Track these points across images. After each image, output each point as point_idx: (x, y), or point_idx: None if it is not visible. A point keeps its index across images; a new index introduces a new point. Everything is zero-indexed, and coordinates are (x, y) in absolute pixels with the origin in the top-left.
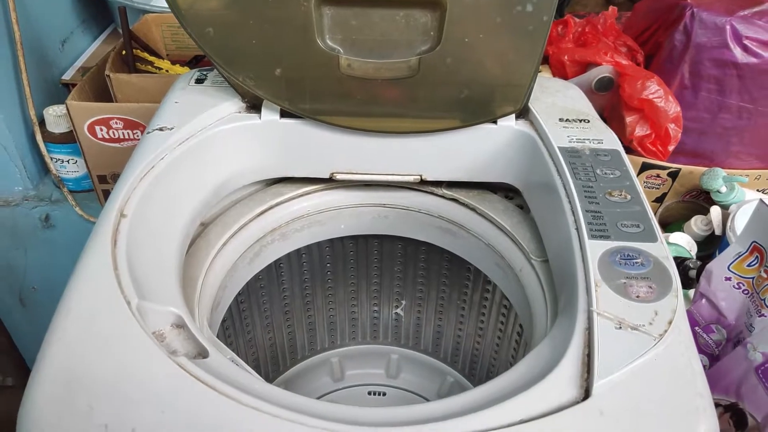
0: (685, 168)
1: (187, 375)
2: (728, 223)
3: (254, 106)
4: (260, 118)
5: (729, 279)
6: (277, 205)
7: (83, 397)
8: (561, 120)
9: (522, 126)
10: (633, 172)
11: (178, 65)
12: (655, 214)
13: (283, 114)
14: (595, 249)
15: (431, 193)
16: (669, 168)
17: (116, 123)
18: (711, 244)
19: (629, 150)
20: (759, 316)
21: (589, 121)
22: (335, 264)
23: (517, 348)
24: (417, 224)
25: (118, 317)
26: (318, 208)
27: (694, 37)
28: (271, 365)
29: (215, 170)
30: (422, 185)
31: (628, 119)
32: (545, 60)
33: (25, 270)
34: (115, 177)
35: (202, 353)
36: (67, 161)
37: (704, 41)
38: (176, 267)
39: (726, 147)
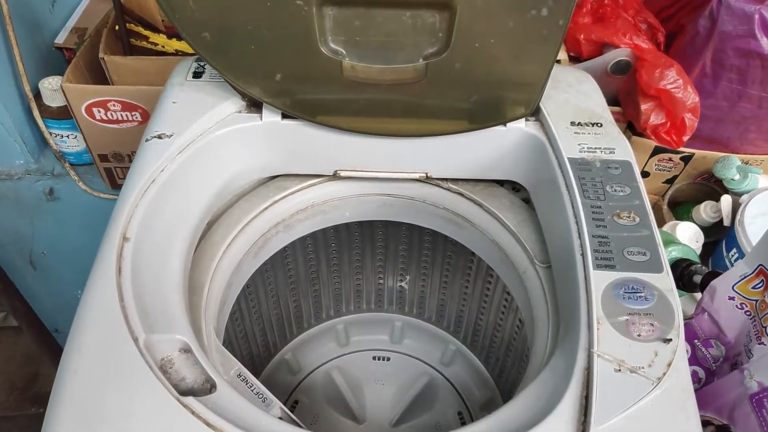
0: (698, 153)
1: (194, 418)
2: (738, 216)
3: (255, 104)
4: (261, 119)
5: (732, 298)
6: (281, 199)
7: None
8: (573, 124)
9: (532, 128)
10: (643, 189)
11: (174, 39)
12: (665, 195)
13: (285, 115)
14: (600, 281)
15: (437, 185)
16: (682, 153)
17: (114, 105)
18: (719, 231)
19: (642, 134)
20: (758, 344)
21: (602, 125)
22: (340, 245)
23: (520, 327)
24: (422, 213)
25: (126, 356)
26: (322, 198)
27: (719, 24)
28: (278, 335)
29: (217, 175)
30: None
31: (644, 107)
32: None
33: (33, 237)
34: (116, 156)
35: (210, 381)
36: (67, 136)
37: (730, 29)
38: (181, 287)
39: (743, 134)
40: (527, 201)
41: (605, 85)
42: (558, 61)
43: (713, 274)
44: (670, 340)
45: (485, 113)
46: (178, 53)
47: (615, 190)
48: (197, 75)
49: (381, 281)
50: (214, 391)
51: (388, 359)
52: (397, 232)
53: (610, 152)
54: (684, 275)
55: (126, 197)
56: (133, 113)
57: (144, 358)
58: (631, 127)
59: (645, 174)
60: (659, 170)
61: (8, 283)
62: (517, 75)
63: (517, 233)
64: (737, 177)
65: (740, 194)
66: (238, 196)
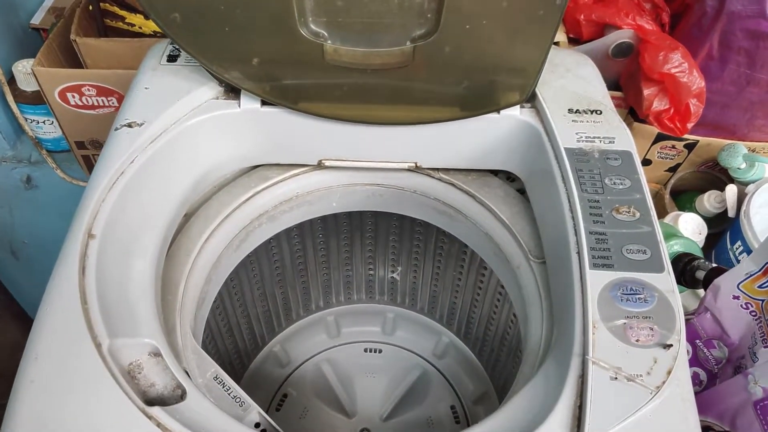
0: (702, 140)
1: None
2: (743, 206)
3: (233, 90)
4: (239, 106)
5: (737, 298)
6: (263, 189)
7: None
8: (570, 111)
9: (527, 116)
10: (644, 181)
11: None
12: (667, 184)
13: (265, 101)
14: (597, 281)
15: (427, 175)
16: (686, 140)
17: (88, 90)
18: (723, 222)
19: (644, 121)
20: (764, 347)
21: (601, 113)
22: (328, 236)
23: (515, 321)
24: (412, 203)
25: (87, 364)
26: (307, 189)
27: (728, 3)
28: (266, 327)
29: (193, 166)
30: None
31: (646, 92)
32: None
33: (13, 227)
34: (94, 143)
35: (180, 387)
36: (43, 122)
37: (738, 9)
38: (152, 287)
39: (750, 121)
40: (523, 191)
41: (606, 68)
42: (556, 43)
43: (717, 271)
44: (671, 345)
45: (477, 100)
46: (156, 35)
47: (614, 183)
48: (172, 58)
49: (371, 272)
50: (184, 398)
51: (380, 351)
52: (387, 222)
53: (610, 142)
54: (686, 271)
55: (92, 191)
56: (109, 98)
57: (107, 365)
58: (633, 113)
59: (647, 162)
60: (662, 158)
61: None
62: (511, 59)
63: (510, 226)
64: (743, 166)
65: (746, 184)
66: (218, 186)
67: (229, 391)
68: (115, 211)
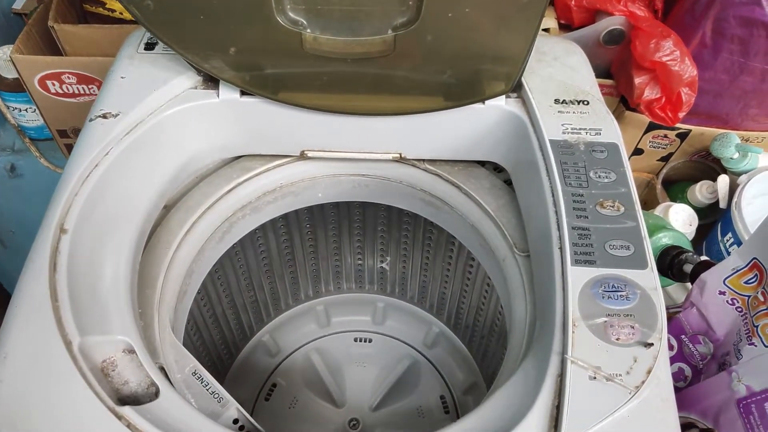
0: (695, 129)
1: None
2: (735, 198)
3: (212, 79)
4: (218, 96)
5: (723, 293)
6: (246, 180)
7: None
8: (557, 102)
9: (513, 106)
10: (630, 174)
11: None
12: (659, 173)
13: (244, 91)
14: (578, 278)
15: (413, 165)
16: (678, 129)
17: (69, 78)
18: (715, 212)
19: (635, 109)
20: (749, 344)
21: (588, 103)
22: (315, 226)
23: (502, 312)
24: (398, 194)
25: (57, 363)
26: (291, 179)
27: None
28: (254, 317)
29: (171, 157)
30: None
31: (638, 80)
32: (549, 2)
33: (0, 215)
34: (76, 131)
35: (155, 385)
36: (25, 110)
37: None
38: (127, 282)
39: (743, 110)
40: (510, 182)
41: (597, 56)
42: (546, 30)
43: (704, 265)
44: (651, 344)
45: (461, 90)
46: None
47: (599, 176)
48: (150, 47)
49: (360, 262)
50: (158, 396)
51: (370, 341)
52: (375, 212)
53: (596, 133)
54: (674, 264)
55: (64, 184)
56: (90, 86)
57: (77, 364)
58: (625, 102)
59: (639, 151)
60: (654, 147)
61: None
62: (495, 48)
63: (496, 218)
64: (736, 156)
65: (739, 174)
66: (199, 177)
67: (207, 387)
68: (89, 204)
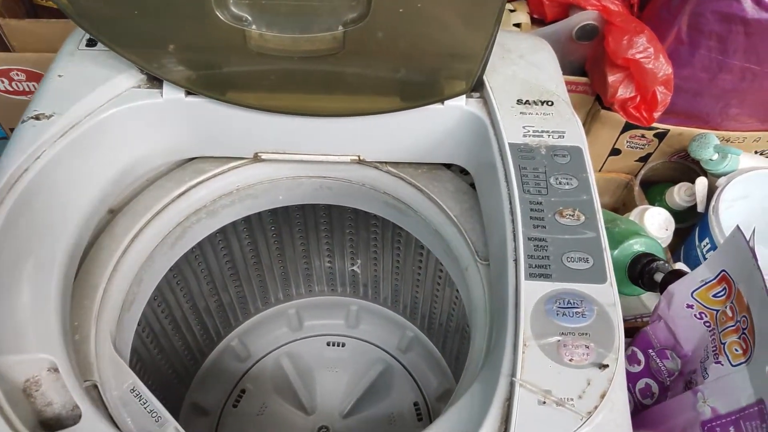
0: (674, 129)
1: None
2: (712, 201)
3: (156, 78)
4: (162, 95)
5: (691, 306)
6: (199, 183)
7: None
8: (519, 102)
9: (473, 107)
10: (593, 181)
11: None
12: (638, 174)
13: (190, 91)
14: (531, 294)
15: (375, 167)
16: (656, 129)
17: (17, 75)
18: (695, 215)
19: (611, 108)
20: (716, 362)
21: (553, 104)
22: (280, 228)
23: None
24: (362, 197)
25: None
26: (249, 181)
27: None
28: (221, 322)
29: (112, 161)
30: None
31: (611, 78)
32: None
33: None
34: None
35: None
36: None
37: None
38: (57, 294)
39: (723, 109)
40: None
41: (571, 52)
42: (518, 26)
43: (676, 274)
44: (606, 366)
45: (419, 89)
46: None
47: (560, 183)
48: (92, 43)
49: (330, 264)
50: (80, 419)
51: (343, 345)
52: (341, 215)
53: (559, 136)
54: (644, 272)
55: None
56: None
57: None
58: (600, 101)
59: (616, 151)
60: (631, 148)
61: None
62: (452, 44)
63: (459, 224)
64: (715, 157)
65: (719, 176)
66: (149, 181)
67: (145, 405)
68: (15, 212)
